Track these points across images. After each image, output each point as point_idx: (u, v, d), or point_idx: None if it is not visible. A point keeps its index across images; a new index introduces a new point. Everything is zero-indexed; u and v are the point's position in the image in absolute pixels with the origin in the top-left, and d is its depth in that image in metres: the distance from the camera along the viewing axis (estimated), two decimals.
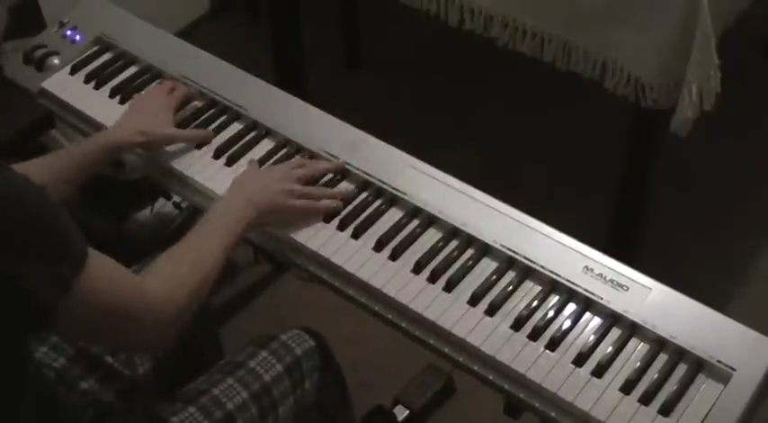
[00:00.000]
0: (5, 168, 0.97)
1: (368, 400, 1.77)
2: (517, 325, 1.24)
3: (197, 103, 1.61)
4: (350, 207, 1.42)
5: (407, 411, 1.86)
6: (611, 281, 1.26)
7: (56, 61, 1.71)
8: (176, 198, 2.06)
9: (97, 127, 1.60)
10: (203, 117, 1.59)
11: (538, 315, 1.25)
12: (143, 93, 1.62)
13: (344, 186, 1.45)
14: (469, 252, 1.34)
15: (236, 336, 1.78)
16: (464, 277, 1.31)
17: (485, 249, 1.34)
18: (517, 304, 1.27)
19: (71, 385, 1.30)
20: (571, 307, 1.26)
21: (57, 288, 0.97)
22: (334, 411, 1.42)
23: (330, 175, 1.47)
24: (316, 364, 1.37)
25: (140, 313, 1.09)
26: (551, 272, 1.28)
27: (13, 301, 0.94)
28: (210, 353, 1.56)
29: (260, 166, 1.48)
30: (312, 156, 1.50)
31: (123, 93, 1.65)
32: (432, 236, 1.37)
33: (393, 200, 1.42)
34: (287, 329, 1.40)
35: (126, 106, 1.61)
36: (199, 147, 1.54)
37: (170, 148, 1.53)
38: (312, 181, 1.43)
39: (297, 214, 1.38)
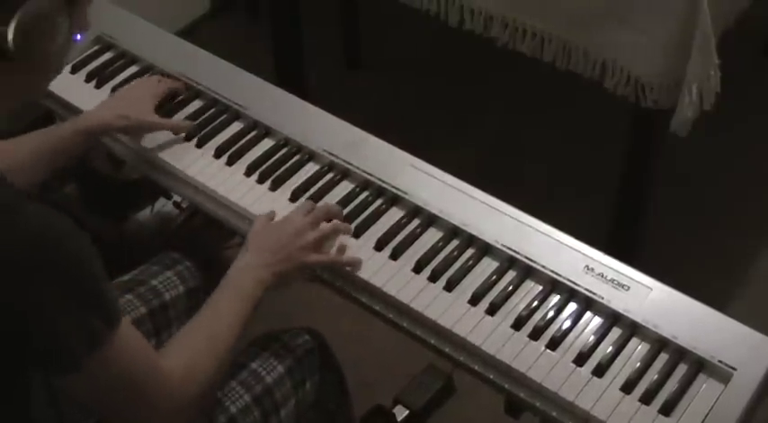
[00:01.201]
0: (57, 214, 0.94)
1: (368, 399, 1.76)
2: (518, 324, 1.25)
3: (182, 97, 1.62)
4: (350, 207, 1.42)
5: (407, 411, 1.86)
6: (612, 280, 1.26)
7: None
8: (176, 198, 2.05)
9: None
10: (204, 116, 1.59)
11: (538, 314, 1.25)
12: (129, 84, 1.63)
13: (345, 186, 1.45)
14: (470, 251, 1.34)
15: None
16: (465, 277, 1.31)
17: (485, 249, 1.34)
18: (518, 304, 1.27)
19: None
20: (572, 306, 1.26)
21: (88, 340, 0.95)
22: (335, 411, 1.42)
23: (330, 175, 1.47)
24: (316, 365, 1.37)
25: (154, 392, 1.05)
26: (552, 271, 1.28)
27: (44, 343, 0.93)
28: None
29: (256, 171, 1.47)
30: (312, 155, 1.50)
31: None
32: (432, 235, 1.37)
33: (394, 199, 1.42)
34: (287, 329, 1.40)
35: None
36: (199, 145, 1.54)
37: (170, 148, 1.53)
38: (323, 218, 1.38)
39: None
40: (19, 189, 0.96)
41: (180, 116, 1.59)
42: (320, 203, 1.41)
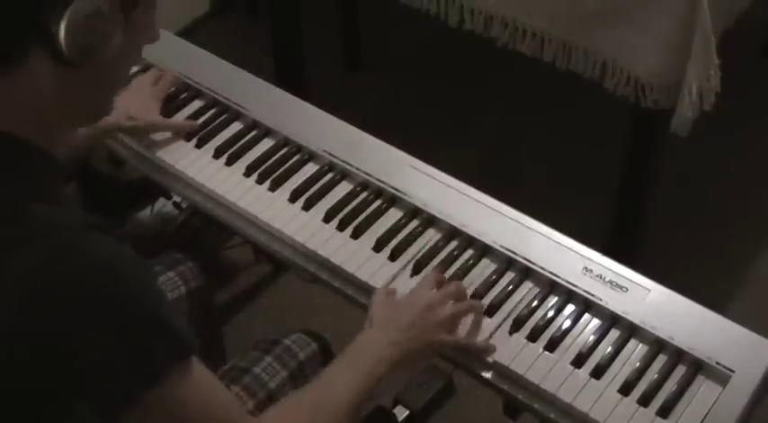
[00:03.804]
0: (118, 244, 0.88)
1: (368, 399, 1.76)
2: (516, 325, 1.25)
3: (184, 96, 1.62)
4: (349, 207, 1.42)
5: (407, 411, 1.86)
6: (611, 282, 1.26)
7: None
8: (176, 198, 2.05)
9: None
10: (204, 116, 1.59)
11: (537, 316, 1.26)
12: (130, 85, 1.61)
13: (344, 186, 1.45)
14: (469, 252, 1.34)
15: (236, 336, 1.78)
16: (463, 278, 1.31)
17: (484, 250, 1.34)
18: (516, 305, 1.27)
19: None
20: (570, 308, 1.26)
21: (145, 373, 0.87)
22: None
23: (330, 176, 1.47)
24: (319, 368, 1.36)
25: None
26: (551, 273, 1.29)
27: (96, 378, 0.86)
28: (214, 355, 1.56)
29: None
30: (312, 155, 1.50)
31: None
32: (431, 236, 1.37)
33: (393, 200, 1.42)
34: (290, 333, 1.39)
35: None
36: (199, 145, 1.54)
37: (170, 148, 1.54)
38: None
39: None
40: (82, 212, 0.91)
41: (180, 116, 1.59)
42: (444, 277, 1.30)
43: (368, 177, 1.44)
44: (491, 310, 1.26)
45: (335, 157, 1.47)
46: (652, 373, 1.18)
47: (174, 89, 1.63)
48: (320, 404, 1.08)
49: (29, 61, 0.86)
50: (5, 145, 0.88)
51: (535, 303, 1.27)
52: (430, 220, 1.39)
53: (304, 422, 1.05)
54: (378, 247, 1.36)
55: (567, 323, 1.24)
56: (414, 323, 1.18)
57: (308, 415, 1.06)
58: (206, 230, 2.01)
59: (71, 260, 0.84)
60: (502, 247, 1.32)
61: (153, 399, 0.87)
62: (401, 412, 1.85)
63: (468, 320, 1.25)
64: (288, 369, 1.33)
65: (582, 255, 1.30)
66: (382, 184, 1.43)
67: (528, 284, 1.30)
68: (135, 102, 1.53)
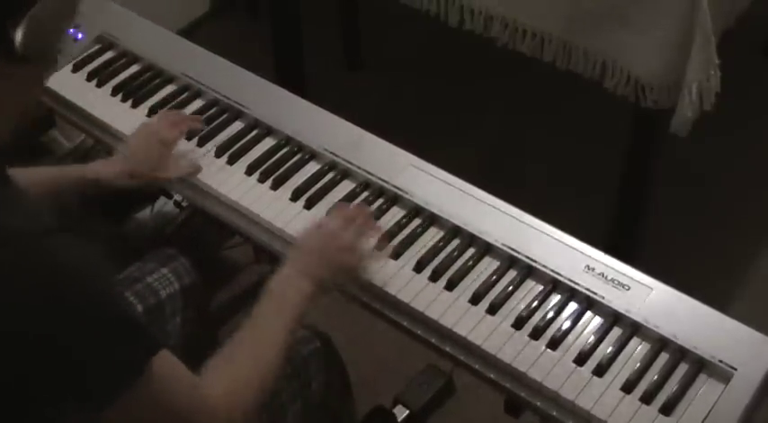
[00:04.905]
0: (77, 246, 0.91)
1: (368, 399, 1.76)
2: (518, 324, 1.25)
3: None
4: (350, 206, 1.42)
5: (407, 411, 1.86)
6: (613, 280, 1.26)
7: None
8: (177, 197, 2.05)
9: (98, 125, 1.61)
10: (204, 116, 1.59)
11: (539, 314, 1.26)
12: (149, 121, 1.56)
13: (346, 185, 1.45)
14: (471, 251, 1.34)
15: None
16: (465, 276, 1.31)
17: (486, 248, 1.34)
18: (518, 303, 1.27)
19: None
20: (572, 306, 1.26)
21: (119, 374, 0.92)
22: (339, 410, 1.43)
23: (331, 175, 1.47)
24: (321, 365, 1.37)
25: (195, 420, 1.00)
26: (552, 271, 1.29)
27: (73, 380, 0.90)
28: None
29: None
30: (313, 154, 1.50)
31: (125, 91, 1.65)
32: (433, 235, 1.37)
33: (394, 199, 1.42)
34: None
35: (128, 104, 1.62)
36: (200, 144, 1.54)
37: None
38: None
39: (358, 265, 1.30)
40: (43, 217, 0.93)
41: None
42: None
43: (369, 176, 1.44)
44: (493, 309, 1.26)
45: (337, 155, 1.47)
46: (654, 371, 1.18)
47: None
48: (256, 355, 1.11)
49: None
50: None
51: (537, 302, 1.27)
52: (432, 219, 1.39)
53: (245, 377, 1.08)
54: (380, 245, 1.35)
55: (569, 321, 1.24)
56: (320, 250, 1.24)
57: (247, 369, 1.09)
58: (206, 230, 2.01)
59: (23, 265, 0.87)
60: (504, 245, 1.32)
61: (129, 395, 0.92)
62: (401, 412, 1.86)
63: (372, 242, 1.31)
64: (291, 365, 1.33)
65: (584, 253, 1.30)
66: (384, 183, 1.43)
67: (530, 283, 1.30)
68: (140, 155, 1.46)
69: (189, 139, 1.55)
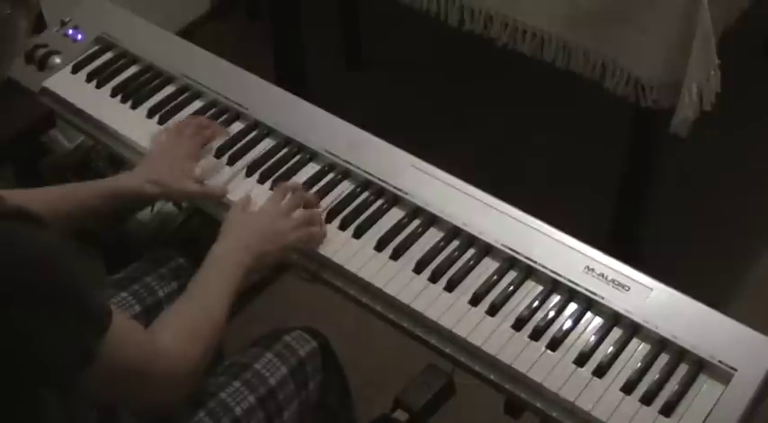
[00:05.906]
0: (31, 227, 0.94)
1: (368, 399, 1.76)
2: (518, 325, 1.25)
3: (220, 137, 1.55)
4: (351, 207, 1.42)
5: (407, 414, 1.86)
6: (613, 281, 1.26)
7: (57, 60, 1.72)
8: None
9: (98, 126, 1.61)
10: (205, 116, 1.59)
11: (539, 315, 1.25)
12: (169, 131, 1.53)
13: (346, 186, 1.45)
14: (471, 252, 1.34)
15: (236, 336, 1.78)
16: (465, 277, 1.31)
17: (486, 249, 1.34)
18: (518, 304, 1.27)
19: None
20: (572, 307, 1.26)
21: (81, 355, 0.96)
22: (337, 411, 1.42)
23: (331, 175, 1.47)
24: (318, 365, 1.37)
25: (155, 372, 1.07)
26: (552, 272, 1.28)
27: (34, 365, 0.93)
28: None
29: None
30: (313, 155, 1.50)
31: (124, 92, 1.65)
32: (433, 235, 1.37)
33: (394, 199, 1.42)
34: (290, 329, 1.39)
35: (128, 105, 1.62)
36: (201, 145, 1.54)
37: None
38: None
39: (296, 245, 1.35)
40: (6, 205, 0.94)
41: (180, 116, 1.59)
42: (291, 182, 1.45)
43: (369, 177, 1.44)
44: (493, 310, 1.26)
45: (337, 156, 1.47)
46: (654, 372, 1.18)
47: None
48: (204, 305, 1.20)
49: None
50: None
51: (537, 302, 1.27)
52: (432, 220, 1.39)
53: (195, 324, 1.16)
54: (379, 246, 1.35)
55: (569, 322, 1.24)
56: (262, 231, 1.32)
57: (196, 316, 1.17)
58: (206, 230, 2.01)
59: None
60: (504, 246, 1.32)
61: (94, 369, 0.97)
62: (401, 416, 1.86)
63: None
64: (288, 365, 1.33)
65: (584, 254, 1.30)
66: (384, 184, 1.43)
67: (530, 283, 1.30)
68: (163, 166, 1.43)
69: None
